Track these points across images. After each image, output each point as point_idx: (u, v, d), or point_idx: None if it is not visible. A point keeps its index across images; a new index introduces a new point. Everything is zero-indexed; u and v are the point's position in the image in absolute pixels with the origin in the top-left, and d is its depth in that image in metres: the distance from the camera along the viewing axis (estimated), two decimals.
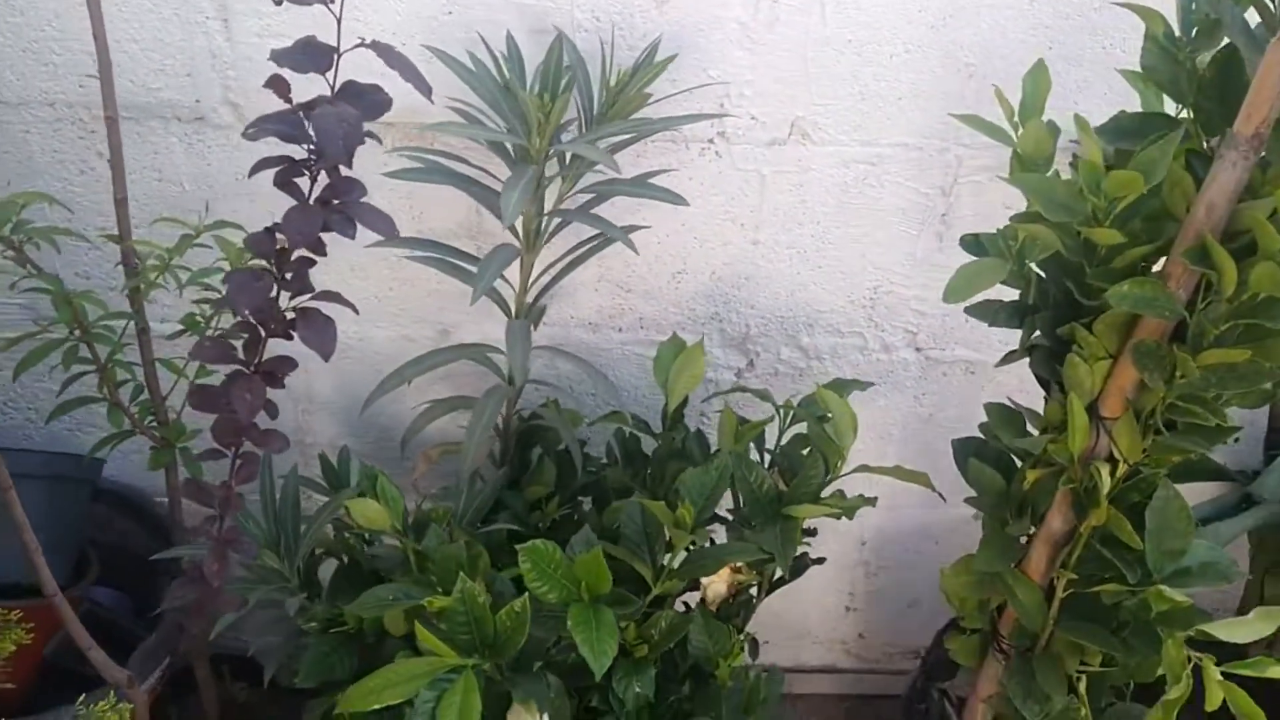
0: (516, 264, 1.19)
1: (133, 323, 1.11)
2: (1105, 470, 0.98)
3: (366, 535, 1.26)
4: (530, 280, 1.20)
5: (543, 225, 1.15)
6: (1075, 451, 0.99)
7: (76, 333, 1.06)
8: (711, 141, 1.28)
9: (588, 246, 1.20)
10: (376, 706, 0.92)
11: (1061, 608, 1.08)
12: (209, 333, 1.11)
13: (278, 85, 0.89)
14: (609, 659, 0.95)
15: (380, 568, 1.22)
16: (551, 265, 1.21)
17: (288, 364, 0.90)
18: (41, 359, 1.05)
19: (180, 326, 1.13)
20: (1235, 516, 1.38)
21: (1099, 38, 1.23)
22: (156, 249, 1.05)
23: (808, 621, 1.71)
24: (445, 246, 1.16)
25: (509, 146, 1.11)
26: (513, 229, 1.17)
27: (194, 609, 1.01)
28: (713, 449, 1.26)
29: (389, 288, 1.38)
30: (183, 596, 0.98)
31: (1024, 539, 1.11)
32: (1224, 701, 0.95)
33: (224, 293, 0.85)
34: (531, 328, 1.18)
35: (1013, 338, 1.06)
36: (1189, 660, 1.00)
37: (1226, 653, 0.99)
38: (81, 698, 0.99)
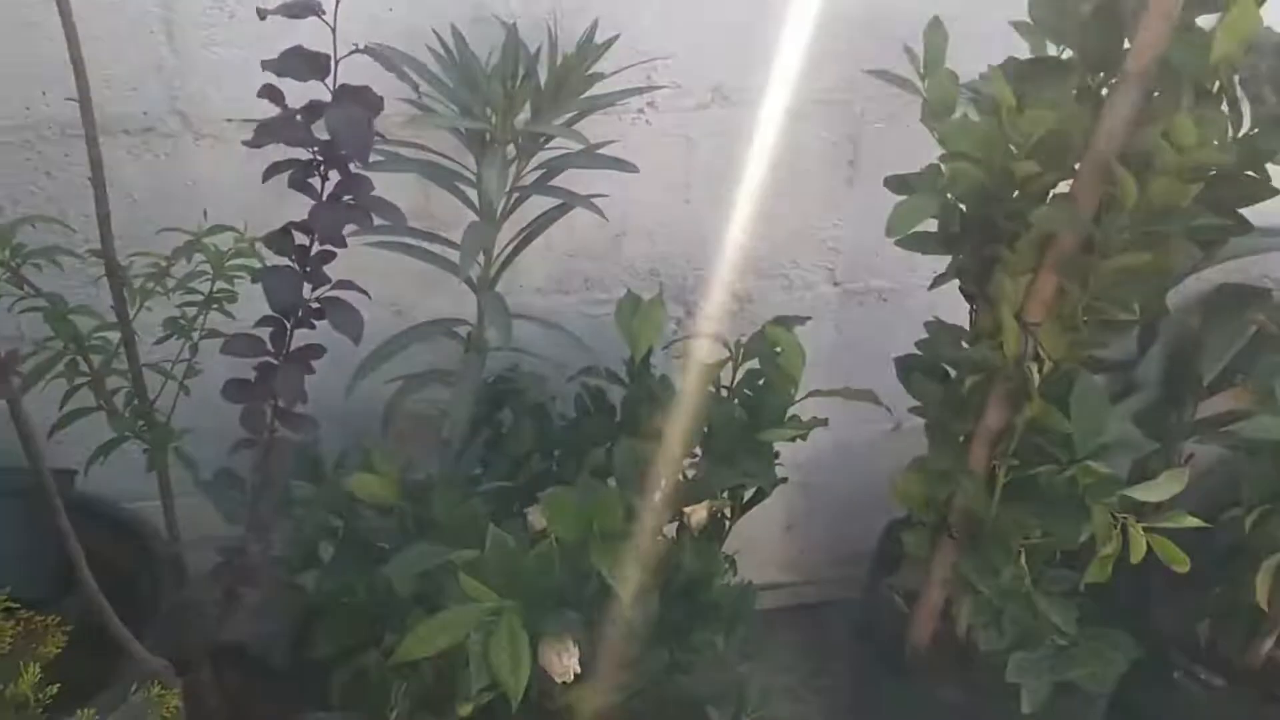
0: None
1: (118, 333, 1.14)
2: (1035, 369, 1.14)
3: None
4: (495, 253, 1.28)
5: (508, 201, 1.23)
6: (1009, 355, 1.14)
7: (72, 347, 1.09)
8: (641, 111, 1.38)
9: (545, 217, 1.29)
10: (432, 653, 1.01)
11: (1003, 492, 1.25)
12: (196, 335, 1.16)
13: (272, 94, 0.94)
14: (632, 586, 1.06)
15: (378, 541, 1.29)
16: (513, 238, 1.29)
17: (316, 350, 0.97)
18: (43, 376, 1.08)
19: (164, 332, 1.17)
20: (1123, 402, 1.58)
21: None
22: (156, 257, 1.08)
23: (754, 544, 1.85)
24: (418, 232, 1.23)
25: (468, 131, 1.19)
26: (477, 207, 1.24)
27: (229, 591, 1.06)
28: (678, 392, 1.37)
29: (341, 274, 1.43)
30: (222, 579, 1.04)
31: (964, 437, 1.27)
32: None
33: (260, 289, 0.91)
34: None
35: (921, 267, 1.21)
36: (1115, 522, 1.17)
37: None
38: (134, 686, 1.04)
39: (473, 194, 1.24)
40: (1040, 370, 1.15)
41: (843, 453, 1.79)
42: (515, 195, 1.23)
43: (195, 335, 1.16)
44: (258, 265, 1.11)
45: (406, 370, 1.45)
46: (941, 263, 1.24)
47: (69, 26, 0.99)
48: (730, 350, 1.36)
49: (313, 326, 0.96)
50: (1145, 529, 1.16)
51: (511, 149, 1.20)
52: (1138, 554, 1.18)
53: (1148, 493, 1.17)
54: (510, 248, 1.30)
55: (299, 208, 1.09)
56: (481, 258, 1.29)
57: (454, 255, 1.29)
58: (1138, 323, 1.13)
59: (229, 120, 1.28)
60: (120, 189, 1.30)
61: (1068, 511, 1.20)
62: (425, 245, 1.24)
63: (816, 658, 1.83)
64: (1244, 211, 1.06)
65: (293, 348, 0.96)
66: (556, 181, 1.29)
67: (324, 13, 0.92)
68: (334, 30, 0.93)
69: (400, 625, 1.17)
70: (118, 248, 1.12)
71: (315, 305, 0.95)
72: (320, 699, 1.32)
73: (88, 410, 1.16)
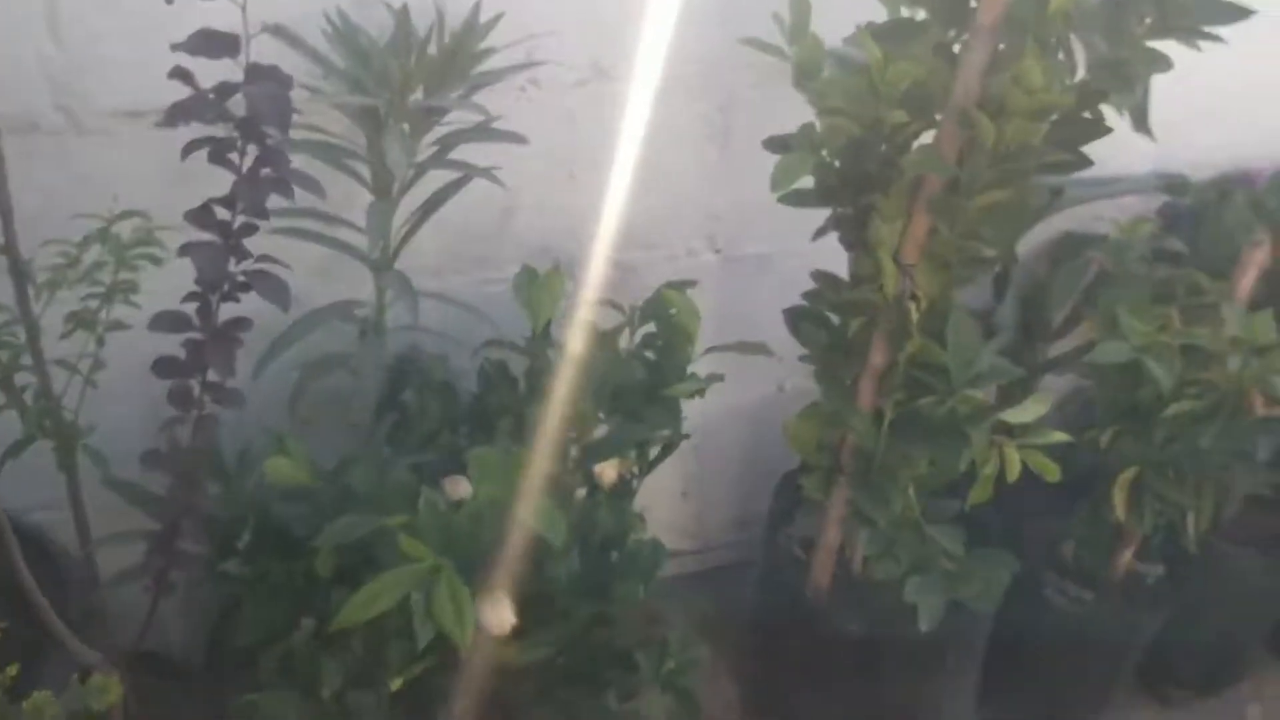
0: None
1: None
2: (913, 307, 1.24)
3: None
4: (394, 231, 1.31)
5: (406, 178, 1.26)
6: (889, 295, 1.23)
7: None
8: (524, 89, 1.43)
9: (443, 191, 1.32)
10: (373, 615, 1.03)
11: (890, 427, 1.34)
12: (100, 328, 1.15)
13: (183, 75, 0.95)
14: (563, 535, 1.10)
15: (293, 528, 1.30)
16: (411, 216, 1.32)
17: (244, 323, 0.98)
18: None
19: (68, 326, 1.15)
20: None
21: None
22: (64, 244, 1.07)
23: (653, 512, 1.91)
24: (319, 214, 1.24)
25: (364, 109, 1.21)
26: (372, 186, 1.27)
27: (160, 579, 1.06)
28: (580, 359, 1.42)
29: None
30: (153, 565, 1.03)
31: (851, 380, 1.36)
32: None
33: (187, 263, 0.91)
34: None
35: (797, 231, 1.30)
36: (992, 444, 1.28)
37: None
38: (75, 676, 1.02)
39: (367, 173, 1.26)
40: (918, 308, 1.25)
41: (732, 417, 1.87)
42: (412, 171, 1.26)
43: (99, 328, 1.14)
44: (160, 254, 1.10)
45: (303, 358, 1.45)
46: (818, 223, 1.34)
47: None
48: (626, 315, 1.42)
49: (237, 300, 0.97)
50: (1018, 447, 1.27)
51: (406, 126, 1.23)
52: (1013, 472, 1.30)
53: (1018, 415, 1.29)
54: (409, 225, 1.32)
55: (189, 199, 1.10)
56: (381, 238, 1.31)
57: (352, 238, 1.31)
58: (1000, 259, 1.24)
59: (113, 114, 1.27)
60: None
61: (949, 440, 1.30)
62: (323, 230, 1.25)
63: (724, 614, 1.90)
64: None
65: (219, 323, 0.97)
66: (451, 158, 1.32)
67: None
68: (244, 9, 0.95)
69: (324, 605, 1.19)
70: None
71: (241, 278, 0.96)
72: (240, 695, 1.32)
73: None
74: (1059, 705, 1.79)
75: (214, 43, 0.94)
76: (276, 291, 0.95)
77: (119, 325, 1.15)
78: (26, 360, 1.13)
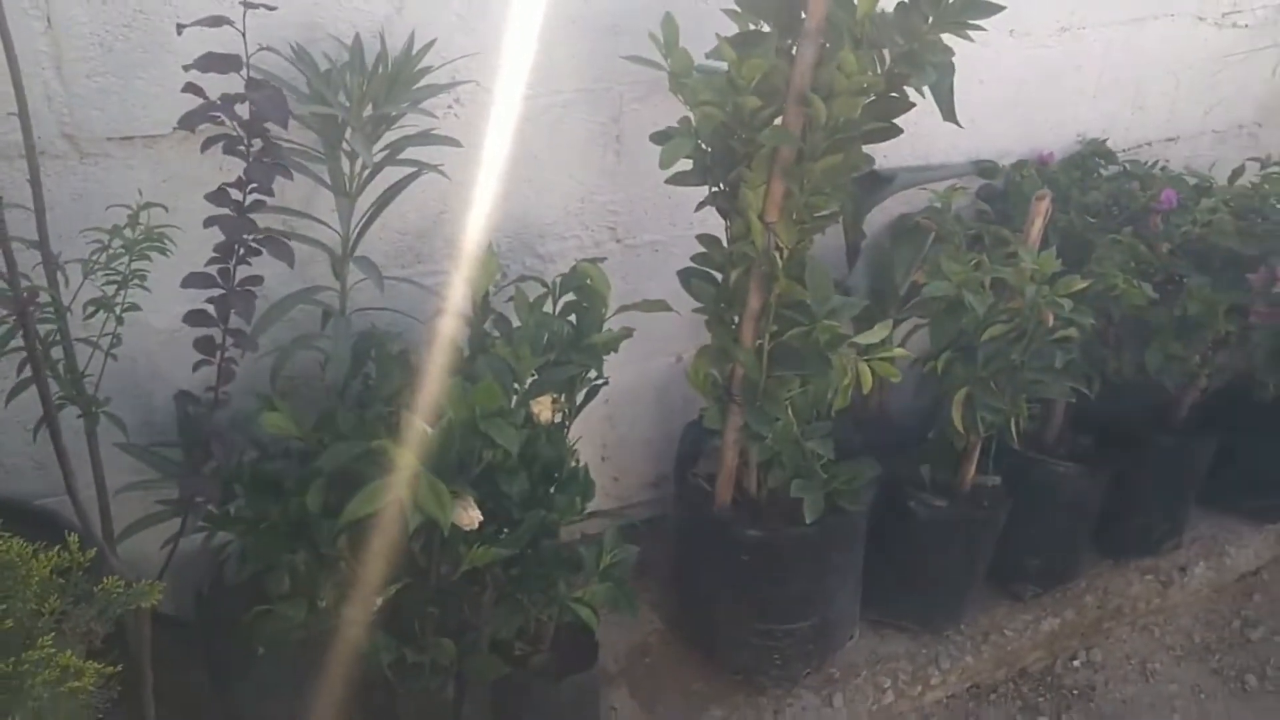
0: (334, 214, 1.57)
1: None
2: (778, 256, 1.57)
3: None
4: (353, 223, 1.58)
5: (362, 177, 1.54)
6: (759, 248, 1.56)
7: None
8: (450, 106, 1.72)
9: (394, 188, 1.60)
10: (372, 509, 1.30)
11: (769, 358, 1.66)
12: (119, 309, 1.39)
13: (195, 89, 1.23)
14: (517, 442, 1.39)
15: (282, 474, 1.55)
16: (367, 211, 1.60)
17: (257, 280, 1.24)
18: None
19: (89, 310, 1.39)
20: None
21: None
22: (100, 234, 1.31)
23: None
24: (291, 211, 1.52)
25: (324, 119, 1.49)
26: (331, 186, 1.54)
27: (189, 500, 1.30)
28: (514, 325, 1.71)
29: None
30: (186, 490, 1.28)
31: (735, 322, 1.68)
32: None
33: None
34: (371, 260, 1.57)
35: (681, 221, 1.62)
36: (848, 362, 1.61)
37: None
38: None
39: (327, 177, 1.54)
40: (781, 257, 1.58)
41: (639, 387, 2.17)
42: (367, 171, 1.54)
43: (118, 309, 1.39)
44: (168, 249, 1.36)
45: (277, 341, 1.71)
46: (700, 212, 1.68)
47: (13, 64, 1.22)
48: (548, 286, 1.71)
49: (249, 264, 1.23)
50: (868, 361, 1.61)
51: (360, 136, 1.51)
52: (867, 384, 1.63)
53: (867, 338, 1.63)
54: (364, 220, 1.60)
55: (179, 216, 1.37)
56: (342, 231, 1.59)
57: (312, 233, 1.58)
58: (839, 213, 1.59)
59: (109, 139, 1.52)
60: (18, 204, 1.50)
61: (816, 362, 1.63)
62: (298, 230, 1.52)
63: (644, 560, 2.18)
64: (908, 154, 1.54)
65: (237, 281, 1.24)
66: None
67: (235, 24, 1.21)
68: (244, 35, 1.23)
69: (313, 539, 1.44)
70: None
71: (254, 243, 1.23)
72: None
73: (28, 382, 1.36)
74: (930, 605, 2.13)
75: (221, 62, 1.21)
76: (283, 251, 1.22)
77: (134, 307, 1.40)
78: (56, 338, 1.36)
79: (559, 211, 1.91)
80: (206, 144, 1.22)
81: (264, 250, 1.24)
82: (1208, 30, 2.51)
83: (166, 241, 1.38)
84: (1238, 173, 2.29)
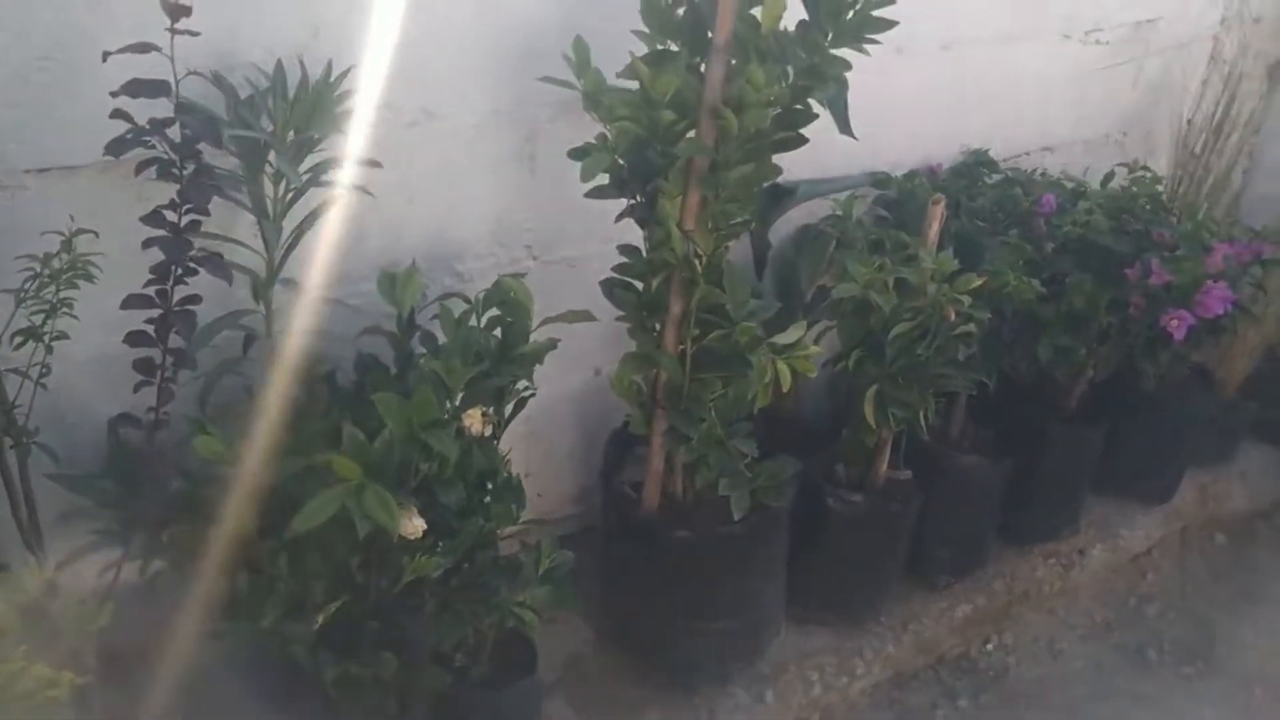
0: (257, 238, 1.58)
1: None
2: (697, 262, 1.64)
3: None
4: (278, 246, 1.59)
5: (285, 200, 1.55)
6: (679, 255, 1.63)
7: None
8: (367, 130, 1.75)
9: (315, 212, 1.62)
10: (321, 519, 1.31)
11: (691, 362, 1.73)
12: (48, 338, 1.38)
13: (124, 115, 1.24)
14: (455, 452, 1.42)
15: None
16: (290, 234, 1.61)
17: (195, 299, 1.25)
18: None
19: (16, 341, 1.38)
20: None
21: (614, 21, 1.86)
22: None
23: None
24: (212, 235, 1.52)
25: (245, 143, 1.50)
26: (252, 209, 1.56)
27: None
28: (440, 340, 1.74)
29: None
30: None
31: (657, 329, 1.74)
32: None
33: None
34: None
35: (595, 236, 1.68)
36: (766, 362, 1.69)
37: None
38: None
39: (248, 200, 1.55)
40: (700, 263, 1.65)
41: (559, 402, 2.22)
42: (290, 194, 1.56)
43: (46, 338, 1.38)
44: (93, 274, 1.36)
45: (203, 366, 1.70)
46: (612, 230, 1.73)
47: None
48: (470, 302, 1.75)
49: (186, 283, 1.25)
50: (785, 361, 1.68)
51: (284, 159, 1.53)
52: (786, 381, 1.71)
53: (784, 338, 1.70)
54: (287, 243, 1.61)
55: (100, 244, 1.38)
56: (266, 254, 1.60)
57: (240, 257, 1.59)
58: (751, 220, 1.67)
59: (26, 170, 1.51)
60: None
61: (737, 364, 1.70)
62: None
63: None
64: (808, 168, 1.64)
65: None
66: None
67: (164, 50, 1.23)
68: (173, 61, 1.24)
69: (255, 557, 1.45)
70: None
71: (192, 263, 1.24)
72: None
73: None
74: (851, 599, 2.21)
75: (148, 88, 1.23)
76: (221, 269, 1.24)
77: (62, 335, 1.39)
78: None
79: (477, 230, 1.95)
80: (140, 167, 1.23)
81: (201, 270, 1.24)
82: (1074, 47, 2.69)
83: (93, 269, 1.38)
84: (1109, 177, 2.46)
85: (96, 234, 1.34)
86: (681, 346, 1.72)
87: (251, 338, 1.65)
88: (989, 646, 2.37)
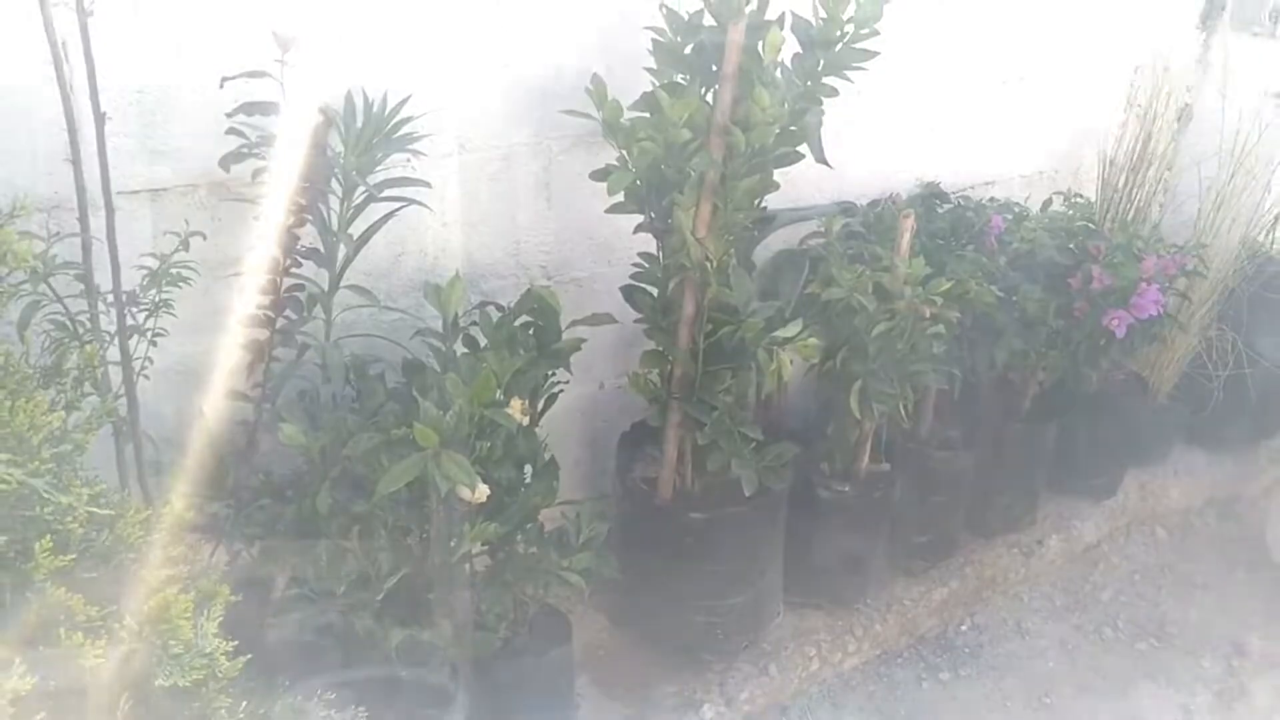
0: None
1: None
2: (710, 265, 1.87)
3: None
4: (339, 259, 1.79)
5: (348, 216, 1.75)
6: (693, 260, 1.86)
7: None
8: (409, 160, 1.96)
9: (374, 226, 1.82)
10: (405, 481, 1.49)
11: (703, 357, 1.95)
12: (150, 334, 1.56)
13: (238, 132, 1.44)
14: (516, 422, 1.61)
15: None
16: (351, 246, 1.81)
17: (300, 286, 1.45)
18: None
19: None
20: None
21: (630, 61, 2.11)
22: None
23: None
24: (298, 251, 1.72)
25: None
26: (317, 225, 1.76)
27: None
28: (481, 343, 1.93)
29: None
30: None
31: (672, 328, 1.96)
32: None
33: None
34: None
35: (602, 259, 1.91)
36: (770, 353, 1.91)
37: None
38: None
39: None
40: (711, 267, 1.88)
41: (569, 413, 2.41)
42: (351, 211, 1.76)
43: (150, 334, 1.56)
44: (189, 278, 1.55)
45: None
46: (618, 254, 1.96)
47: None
48: (503, 310, 1.96)
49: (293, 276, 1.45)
50: (786, 351, 1.91)
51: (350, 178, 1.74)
52: (787, 371, 1.93)
53: (784, 332, 1.93)
54: (346, 258, 1.81)
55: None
56: (329, 266, 1.79)
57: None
58: (754, 228, 1.91)
59: (119, 193, 1.69)
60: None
61: (743, 357, 1.93)
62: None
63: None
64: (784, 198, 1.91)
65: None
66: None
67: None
68: (284, 87, 1.45)
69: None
70: None
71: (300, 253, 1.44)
72: None
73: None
74: (840, 582, 2.42)
75: (260, 109, 1.44)
76: (325, 260, 1.44)
77: (161, 332, 1.57)
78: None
79: (499, 252, 2.16)
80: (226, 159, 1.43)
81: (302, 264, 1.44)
82: (1008, 91, 3.01)
83: (190, 271, 1.57)
84: (1048, 203, 2.76)
85: (204, 236, 1.53)
86: (694, 342, 1.94)
87: (304, 345, 1.84)
88: (964, 627, 2.59)
